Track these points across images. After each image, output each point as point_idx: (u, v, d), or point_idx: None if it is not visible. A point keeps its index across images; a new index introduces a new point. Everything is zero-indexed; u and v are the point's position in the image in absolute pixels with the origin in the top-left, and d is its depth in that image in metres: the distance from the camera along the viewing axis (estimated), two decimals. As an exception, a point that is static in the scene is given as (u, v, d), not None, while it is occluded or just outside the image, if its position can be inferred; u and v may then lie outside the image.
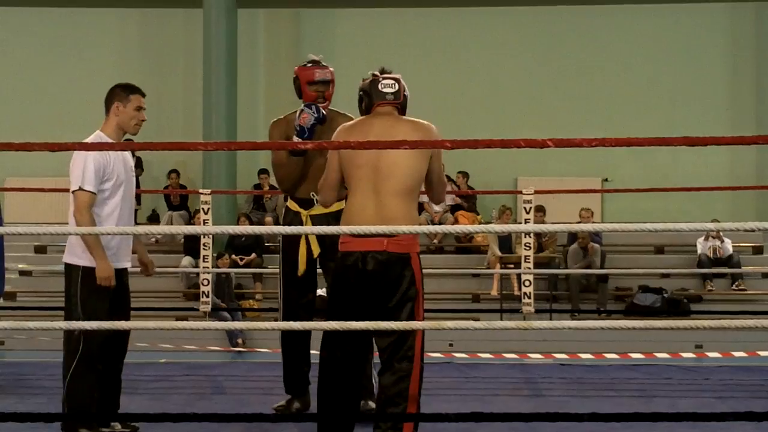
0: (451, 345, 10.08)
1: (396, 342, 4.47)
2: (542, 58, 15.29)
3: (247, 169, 15.07)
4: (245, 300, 13.14)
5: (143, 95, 5.40)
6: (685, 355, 9.44)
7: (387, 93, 4.64)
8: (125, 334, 5.35)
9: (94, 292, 5.11)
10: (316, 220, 5.66)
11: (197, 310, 9.30)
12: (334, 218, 5.46)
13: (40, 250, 14.55)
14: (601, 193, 15.06)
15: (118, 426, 5.32)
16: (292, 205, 5.85)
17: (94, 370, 5.16)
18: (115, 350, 5.31)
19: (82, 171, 5.13)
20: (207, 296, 9.14)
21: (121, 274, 5.27)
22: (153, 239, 14.54)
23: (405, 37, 15.27)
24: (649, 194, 14.50)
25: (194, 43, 15.09)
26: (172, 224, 14.19)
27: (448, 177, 14.91)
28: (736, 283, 13.09)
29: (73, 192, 5.16)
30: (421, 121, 4.62)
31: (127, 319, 5.26)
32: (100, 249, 5.09)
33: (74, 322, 4.89)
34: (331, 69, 5.99)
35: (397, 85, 4.65)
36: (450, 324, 4.72)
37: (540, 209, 13.14)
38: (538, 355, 9.01)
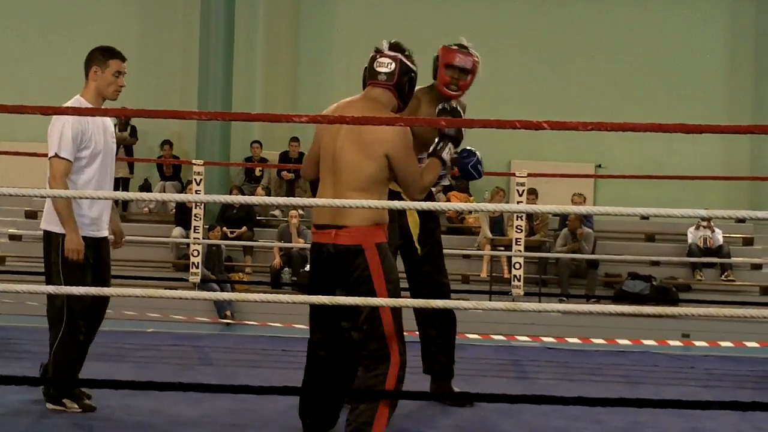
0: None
1: (364, 337, 4.25)
2: (540, 44, 15.25)
3: (240, 142, 15.04)
4: (235, 273, 13.14)
5: (123, 60, 5.25)
6: (672, 343, 9.46)
7: (380, 73, 4.38)
8: (104, 304, 5.33)
9: (75, 261, 5.08)
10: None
11: (186, 280, 9.29)
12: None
13: (31, 215, 14.51)
14: (594, 178, 15.05)
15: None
16: (394, 186, 5.60)
17: (77, 340, 5.17)
18: (93, 320, 5.29)
19: (59, 138, 5.07)
20: (197, 267, 9.14)
21: (100, 243, 5.24)
22: (145, 208, 14.53)
23: (404, 17, 15.21)
24: (642, 182, 14.52)
25: (192, 16, 15.03)
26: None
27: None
28: (725, 273, 13.12)
29: (50, 158, 5.11)
30: (387, 116, 4.28)
31: (106, 287, 5.21)
32: (71, 221, 5.06)
33: (62, 287, 4.88)
34: (477, 59, 5.49)
35: (393, 65, 4.36)
36: (439, 303, 4.73)
37: (532, 192, 13.14)
38: (526, 338, 9.03)
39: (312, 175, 4.48)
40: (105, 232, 5.29)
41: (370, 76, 4.43)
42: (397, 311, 4.29)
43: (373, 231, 4.25)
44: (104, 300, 5.32)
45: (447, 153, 4.65)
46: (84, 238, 5.12)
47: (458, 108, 5.10)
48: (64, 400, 5.13)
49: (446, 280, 5.61)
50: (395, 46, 4.47)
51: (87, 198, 5.11)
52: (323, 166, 4.35)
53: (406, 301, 4.56)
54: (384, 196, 4.35)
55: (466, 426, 5.18)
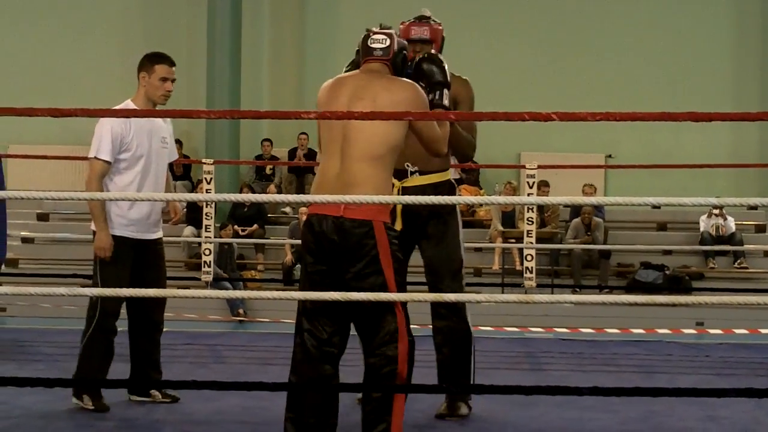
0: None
1: (371, 324, 4.17)
2: (546, 36, 15.21)
3: (250, 140, 15.05)
4: (247, 270, 13.15)
5: (171, 65, 5.43)
6: (686, 331, 9.46)
7: (375, 48, 4.37)
8: (155, 306, 5.40)
9: (112, 260, 5.20)
10: (410, 191, 4.97)
11: (199, 279, 9.30)
12: (433, 189, 5.04)
13: (43, 217, 14.55)
14: (604, 169, 15.02)
15: (158, 395, 5.40)
16: None
17: (107, 339, 5.25)
18: (146, 322, 5.38)
19: (99, 140, 5.22)
20: (209, 266, 9.15)
21: (146, 245, 5.33)
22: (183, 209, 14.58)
23: (408, 15, 15.18)
24: (652, 172, 14.48)
25: (198, 15, 15.05)
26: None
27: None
28: (738, 261, 13.09)
29: (89, 159, 5.26)
30: (404, 80, 4.29)
31: (161, 288, 5.32)
32: (101, 219, 5.18)
33: (80, 288, 4.91)
34: (436, 26, 5.20)
35: (388, 40, 4.36)
36: (452, 297, 4.72)
37: (545, 184, 13.13)
38: (539, 329, 9.03)
39: None
40: (152, 235, 5.37)
41: (365, 53, 4.42)
42: (403, 290, 4.25)
43: (381, 208, 4.15)
44: (155, 302, 5.37)
45: (446, 99, 4.61)
46: (123, 238, 5.24)
47: (435, 55, 4.86)
48: (84, 395, 5.17)
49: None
50: (387, 27, 4.52)
51: (102, 199, 5.15)
52: (328, 138, 4.24)
53: (418, 296, 4.52)
54: (392, 167, 4.26)
55: (479, 418, 5.18)
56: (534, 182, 8.34)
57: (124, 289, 4.97)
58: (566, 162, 13.40)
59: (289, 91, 15.63)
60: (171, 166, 5.82)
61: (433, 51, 5.02)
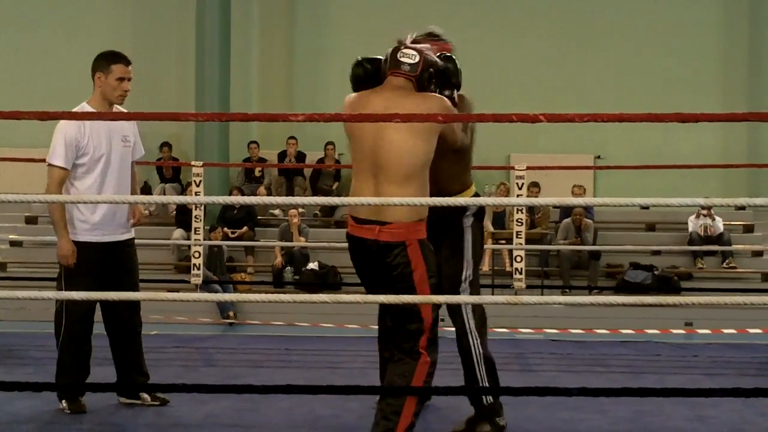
0: (442, 320, 10.12)
1: (398, 330, 4.28)
2: (535, 37, 15.24)
3: (239, 143, 15.04)
4: (237, 273, 13.14)
5: (127, 64, 5.29)
6: (674, 331, 9.48)
7: (404, 63, 4.35)
8: (128, 308, 5.33)
9: (76, 267, 5.13)
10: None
11: (188, 282, 9.29)
12: (452, 211, 4.89)
13: (31, 220, 14.53)
14: (594, 170, 15.06)
15: (147, 398, 5.40)
16: None
17: (75, 344, 5.20)
18: (121, 326, 5.34)
19: (54, 146, 5.14)
20: (198, 269, 9.14)
21: (114, 247, 5.26)
22: (145, 211, 14.52)
23: (398, 16, 15.20)
24: (641, 172, 14.51)
25: (187, 17, 15.04)
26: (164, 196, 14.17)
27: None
28: (727, 261, 13.13)
29: (47, 166, 5.20)
30: (433, 95, 4.33)
31: (133, 290, 5.26)
32: (61, 226, 5.11)
33: (62, 292, 4.90)
34: (443, 45, 4.87)
35: (417, 57, 4.34)
36: (441, 298, 4.72)
37: (535, 185, 13.16)
38: (529, 330, 9.04)
39: None
40: (118, 236, 5.29)
41: (392, 65, 4.38)
42: (437, 309, 4.32)
43: (415, 227, 4.24)
44: (127, 305, 5.30)
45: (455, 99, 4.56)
46: (88, 243, 5.17)
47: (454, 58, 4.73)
48: (62, 399, 5.19)
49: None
50: (419, 40, 4.52)
51: (86, 203, 5.14)
52: (359, 158, 4.28)
53: (435, 298, 4.47)
54: (427, 185, 4.31)
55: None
56: (523, 183, 8.36)
57: (107, 292, 4.92)
58: (556, 163, 13.43)
59: (278, 94, 15.62)
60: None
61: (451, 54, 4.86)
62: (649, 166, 13.09)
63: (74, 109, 5.23)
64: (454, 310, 4.91)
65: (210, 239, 12.16)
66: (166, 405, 5.38)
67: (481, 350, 4.95)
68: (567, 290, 11.92)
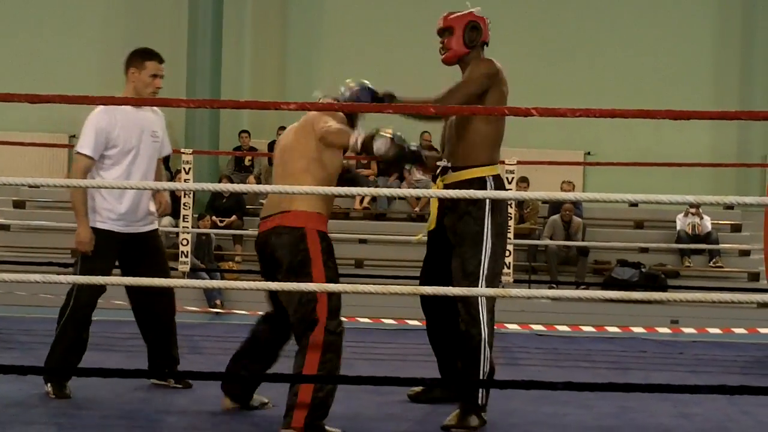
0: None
1: (296, 320, 4.56)
2: (528, 33, 15.24)
3: (230, 132, 15.02)
4: (224, 261, 13.13)
5: (161, 62, 5.42)
6: (660, 329, 9.51)
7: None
8: (157, 297, 5.47)
9: (94, 254, 5.20)
10: (447, 188, 5.01)
11: (176, 270, 9.27)
12: (468, 184, 4.96)
13: (19, 204, 14.48)
14: (584, 166, 15.07)
15: (172, 381, 5.55)
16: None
17: (78, 330, 5.27)
18: (150, 312, 5.49)
19: (83, 135, 5.22)
20: (186, 257, 9.13)
21: (137, 238, 5.35)
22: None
23: (391, 6, 15.19)
24: (631, 170, 14.52)
25: (180, 5, 15.00)
26: (153, 184, 14.12)
27: (432, 147, 14.87)
28: (714, 260, 13.17)
29: (75, 154, 5.29)
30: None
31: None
32: (82, 213, 5.18)
33: (55, 276, 4.89)
34: (456, 15, 5.23)
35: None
36: (428, 290, 4.72)
37: (524, 180, 13.17)
38: (515, 326, 9.04)
39: None
40: (141, 228, 5.37)
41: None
42: (333, 296, 4.54)
43: (315, 217, 4.56)
44: (157, 294, 5.42)
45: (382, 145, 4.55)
46: (110, 232, 5.26)
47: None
48: (48, 383, 5.20)
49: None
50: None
51: (73, 186, 5.12)
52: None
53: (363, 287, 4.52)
54: (324, 179, 4.61)
55: (452, 411, 5.19)
56: (513, 178, 8.36)
57: (100, 277, 4.93)
58: (546, 158, 13.44)
59: (270, 83, 15.59)
60: (167, 157, 5.74)
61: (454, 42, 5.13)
62: (638, 164, 13.10)
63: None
64: (467, 299, 4.83)
65: (198, 227, 12.15)
66: (190, 388, 5.52)
67: (488, 343, 4.91)
68: (554, 286, 11.94)
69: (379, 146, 4.49)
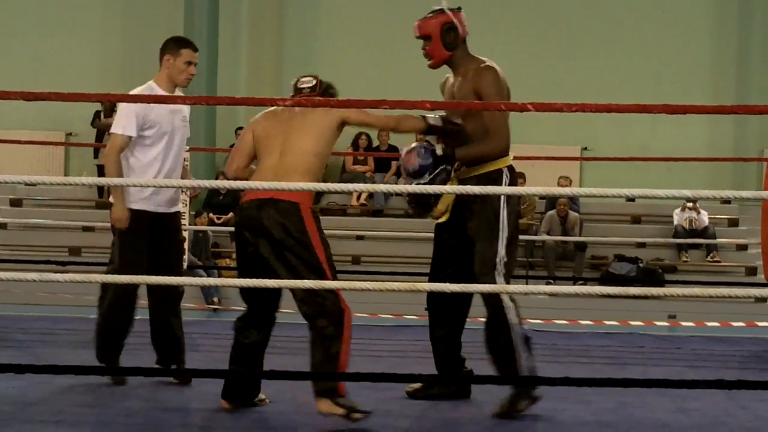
0: (426, 309, 10.15)
1: (310, 297, 4.61)
2: (524, 28, 15.23)
3: (226, 128, 15.00)
4: (222, 259, 13.12)
5: (195, 50, 5.66)
6: (658, 324, 9.53)
7: (303, 89, 5.02)
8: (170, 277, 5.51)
9: (129, 232, 5.40)
10: (463, 183, 5.09)
11: (173, 267, 9.26)
12: (485, 179, 5.09)
13: (16, 203, 14.46)
14: (580, 161, 15.07)
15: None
16: None
17: (123, 314, 5.53)
18: (160, 297, 5.65)
19: (121, 115, 5.41)
20: (183, 254, 9.11)
21: (164, 218, 5.53)
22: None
23: (388, 4, 15.17)
24: (628, 165, 14.53)
25: (176, 1, 14.98)
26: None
27: (428, 142, 14.86)
28: (711, 254, 13.17)
29: (110, 134, 5.46)
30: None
31: (177, 263, 5.70)
32: (118, 192, 5.38)
33: (52, 274, 4.90)
34: (428, 20, 5.19)
35: (314, 81, 5.04)
36: (426, 286, 4.73)
37: (520, 175, 13.14)
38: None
39: (244, 171, 4.95)
40: (168, 208, 5.55)
41: (295, 93, 5.07)
42: (334, 269, 4.69)
43: (308, 196, 4.70)
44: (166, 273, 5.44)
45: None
46: (140, 211, 5.43)
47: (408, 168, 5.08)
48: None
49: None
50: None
51: (59, 184, 5.13)
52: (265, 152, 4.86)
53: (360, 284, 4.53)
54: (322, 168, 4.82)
55: (452, 408, 5.20)
56: (510, 173, 8.35)
57: (96, 275, 4.95)
58: (543, 154, 13.44)
59: (267, 80, 15.57)
60: None
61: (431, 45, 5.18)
62: (635, 159, 13.13)
63: (141, 88, 5.55)
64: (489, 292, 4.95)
65: (196, 224, 12.14)
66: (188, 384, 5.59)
67: (520, 327, 5.06)
68: (551, 281, 11.94)
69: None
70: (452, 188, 4.76)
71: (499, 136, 5.09)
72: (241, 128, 14.90)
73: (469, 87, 5.09)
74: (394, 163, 14.10)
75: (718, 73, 15.24)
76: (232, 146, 14.72)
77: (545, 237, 12.47)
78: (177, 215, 5.68)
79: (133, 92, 5.47)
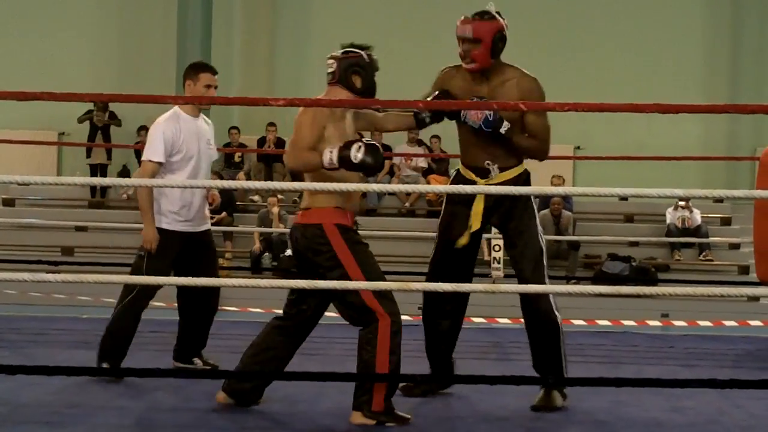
0: (420, 309, 10.14)
1: (344, 307, 4.66)
2: (517, 27, 15.18)
3: (219, 128, 14.92)
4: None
5: (214, 73, 5.96)
6: (651, 323, 9.52)
7: (327, 74, 4.83)
8: (209, 294, 5.98)
9: (158, 252, 5.67)
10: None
11: (166, 267, 9.24)
12: (522, 181, 5.16)
13: (8, 203, 14.44)
14: (573, 160, 15.08)
15: (200, 362, 6.02)
16: (466, 173, 5.28)
17: (134, 315, 5.78)
18: (201, 308, 5.97)
19: (150, 143, 5.72)
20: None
21: (195, 237, 5.80)
22: (124, 195, 14.44)
23: (381, 3, 15.17)
24: (621, 164, 14.55)
25: (170, 1, 14.97)
26: (142, 181, 14.07)
27: (420, 141, 14.88)
28: (704, 253, 13.19)
29: (142, 161, 5.80)
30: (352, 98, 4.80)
31: (213, 276, 5.90)
32: (148, 214, 5.66)
33: (45, 275, 4.89)
34: (485, 23, 5.24)
35: (334, 64, 4.81)
36: (417, 285, 4.73)
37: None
38: (507, 320, 9.04)
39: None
40: (196, 227, 5.81)
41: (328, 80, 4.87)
42: (372, 277, 4.62)
43: (332, 212, 4.65)
44: (207, 290, 5.90)
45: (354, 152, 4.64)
46: (168, 231, 5.70)
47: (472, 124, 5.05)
48: (104, 363, 5.65)
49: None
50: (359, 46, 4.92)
51: (52, 184, 5.14)
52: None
53: (384, 284, 4.56)
54: (342, 178, 4.63)
55: (446, 408, 5.20)
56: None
57: (89, 275, 4.94)
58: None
59: (260, 80, 15.56)
60: (138, 152, 6.00)
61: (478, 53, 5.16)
62: (628, 157, 13.13)
63: (168, 114, 5.82)
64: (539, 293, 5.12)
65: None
66: (217, 368, 5.90)
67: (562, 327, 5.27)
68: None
69: (359, 155, 4.56)
70: (443, 188, 4.75)
71: (545, 140, 5.23)
72: (235, 128, 14.93)
73: (514, 94, 5.14)
74: (387, 162, 14.09)
75: (712, 71, 15.27)
76: (226, 145, 14.82)
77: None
78: (206, 233, 5.92)
79: (160, 119, 5.78)
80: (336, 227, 4.65)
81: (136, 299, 5.74)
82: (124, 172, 14.99)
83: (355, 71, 4.80)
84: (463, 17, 5.24)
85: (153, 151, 5.69)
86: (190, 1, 14.50)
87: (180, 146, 5.69)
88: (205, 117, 6.02)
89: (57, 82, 13.60)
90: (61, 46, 15.11)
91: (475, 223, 5.20)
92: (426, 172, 14.43)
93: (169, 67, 14.73)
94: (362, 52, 4.87)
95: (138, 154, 14.89)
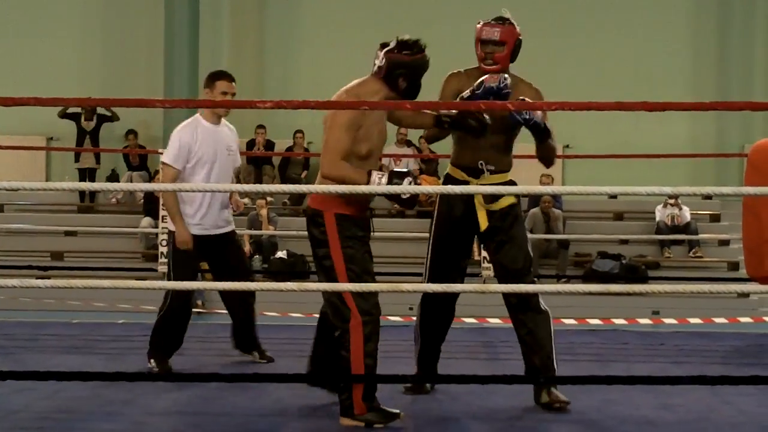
0: (410, 309, 10.10)
1: (328, 304, 4.70)
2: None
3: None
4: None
5: (231, 81, 6.14)
6: (641, 321, 9.55)
7: (374, 65, 4.75)
8: (241, 296, 6.33)
9: (181, 253, 5.98)
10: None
11: (156, 271, 9.24)
12: (510, 185, 5.31)
13: (-3, 208, 14.39)
14: (563, 159, 15.09)
15: (257, 355, 6.48)
16: (457, 174, 5.41)
17: (175, 319, 6.13)
18: (237, 307, 6.41)
19: (170, 147, 5.99)
20: (165, 257, 9.09)
21: (218, 239, 6.09)
22: (113, 199, 14.41)
23: (370, 4, 15.16)
24: (610, 163, 14.55)
25: (157, 3, 14.94)
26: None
27: (409, 142, 14.89)
28: (693, 250, 13.23)
29: (161, 164, 6.12)
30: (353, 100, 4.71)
31: (244, 273, 6.21)
32: (178, 217, 5.93)
33: (34, 280, 4.88)
34: (510, 28, 5.40)
35: (384, 61, 4.69)
36: (408, 286, 4.73)
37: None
38: (497, 320, 9.05)
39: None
40: (216, 231, 6.09)
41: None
42: (356, 274, 4.61)
43: (333, 200, 4.61)
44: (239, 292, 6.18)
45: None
46: (193, 236, 5.98)
47: (488, 85, 5.06)
48: (152, 360, 6.08)
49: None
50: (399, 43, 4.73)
51: (41, 189, 5.18)
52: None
53: (369, 286, 4.55)
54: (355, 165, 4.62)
55: (437, 408, 5.20)
56: (492, 172, 8.36)
57: (79, 280, 4.94)
58: (525, 152, 13.43)
59: (248, 82, 15.50)
60: (126, 156, 6.12)
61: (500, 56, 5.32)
62: (616, 156, 13.16)
63: (188, 121, 6.08)
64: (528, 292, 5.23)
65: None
66: (273, 362, 6.38)
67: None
68: (535, 279, 11.94)
69: (406, 195, 4.73)
70: (435, 188, 4.76)
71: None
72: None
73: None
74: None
75: (699, 68, 15.30)
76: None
77: (528, 235, 12.48)
78: (229, 234, 6.19)
79: (179, 127, 6.06)
80: (335, 216, 4.62)
81: (172, 302, 6.12)
82: (113, 177, 14.94)
83: (402, 74, 4.66)
84: (482, 21, 5.39)
85: (170, 156, 5.96)
86: (177, 5, 14.47)
87: (196, 152, 5.93)
88: (228, 123, 6.21)
89: (42, 89, 13.59)
90: (48, 50, 15.07)
91: (483, 223, 5.32)
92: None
93: (157, 70, 14.70)
94: (414, 55, 4.70)
95: (126, 157, 14.89)
